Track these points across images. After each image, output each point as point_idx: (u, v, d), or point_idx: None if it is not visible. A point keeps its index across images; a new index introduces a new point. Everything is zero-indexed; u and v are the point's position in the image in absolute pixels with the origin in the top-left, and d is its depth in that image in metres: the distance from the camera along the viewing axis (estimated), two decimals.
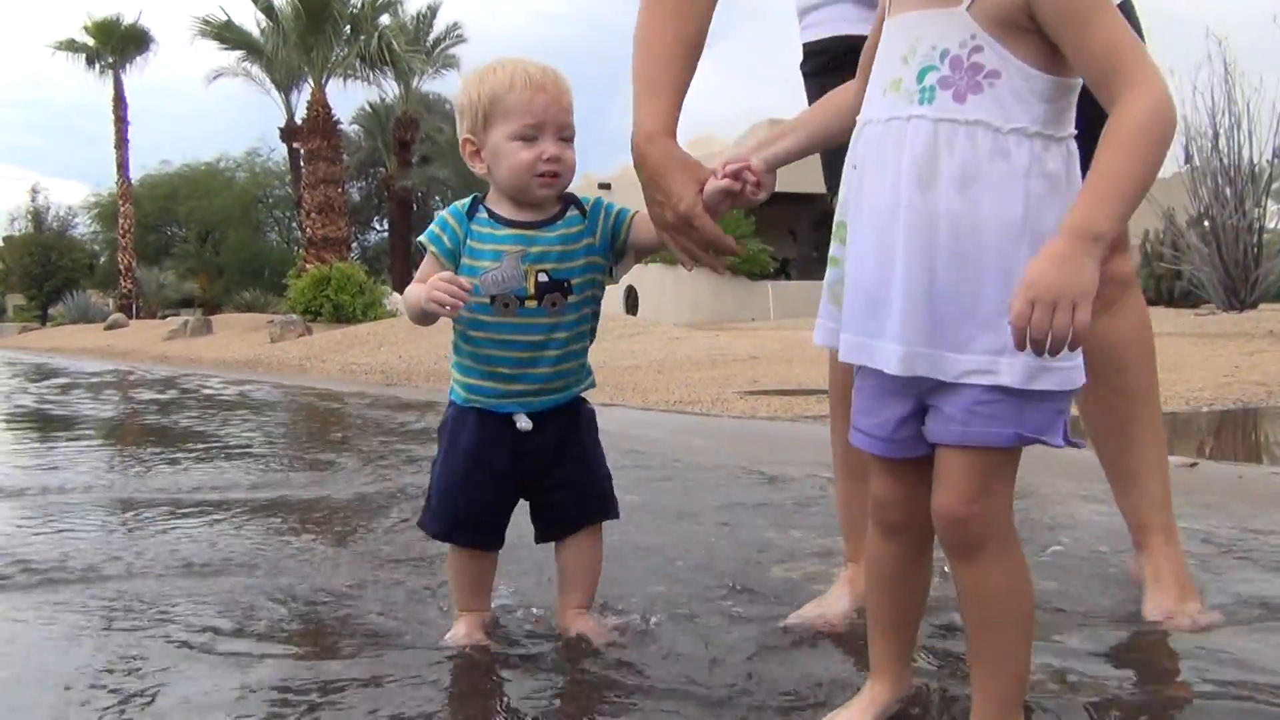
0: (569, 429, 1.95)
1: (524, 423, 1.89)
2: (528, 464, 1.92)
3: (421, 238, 1.88)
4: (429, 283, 1.77)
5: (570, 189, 1.89)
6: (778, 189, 1.89)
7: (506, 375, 1.88)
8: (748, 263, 25.09)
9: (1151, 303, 18.65)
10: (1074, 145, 1.31)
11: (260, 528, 3.19)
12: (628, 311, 23.67)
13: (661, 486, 3.70)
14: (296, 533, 3.09)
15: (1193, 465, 3.79)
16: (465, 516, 1.95)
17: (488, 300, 1.83)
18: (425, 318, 1.82)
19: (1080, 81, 1.29)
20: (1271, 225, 13.77)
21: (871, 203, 1.35)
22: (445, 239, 1.87)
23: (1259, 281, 12.79)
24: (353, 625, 2.13)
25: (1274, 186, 13.74)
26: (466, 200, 1.90)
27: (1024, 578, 1.37)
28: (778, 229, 25.10)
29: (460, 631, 1.98)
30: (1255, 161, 12.83)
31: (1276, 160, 12.97)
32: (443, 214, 1.90)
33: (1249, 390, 6.08)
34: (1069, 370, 1.29)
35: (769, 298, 25.10)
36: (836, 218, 1.44)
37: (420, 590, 2.37)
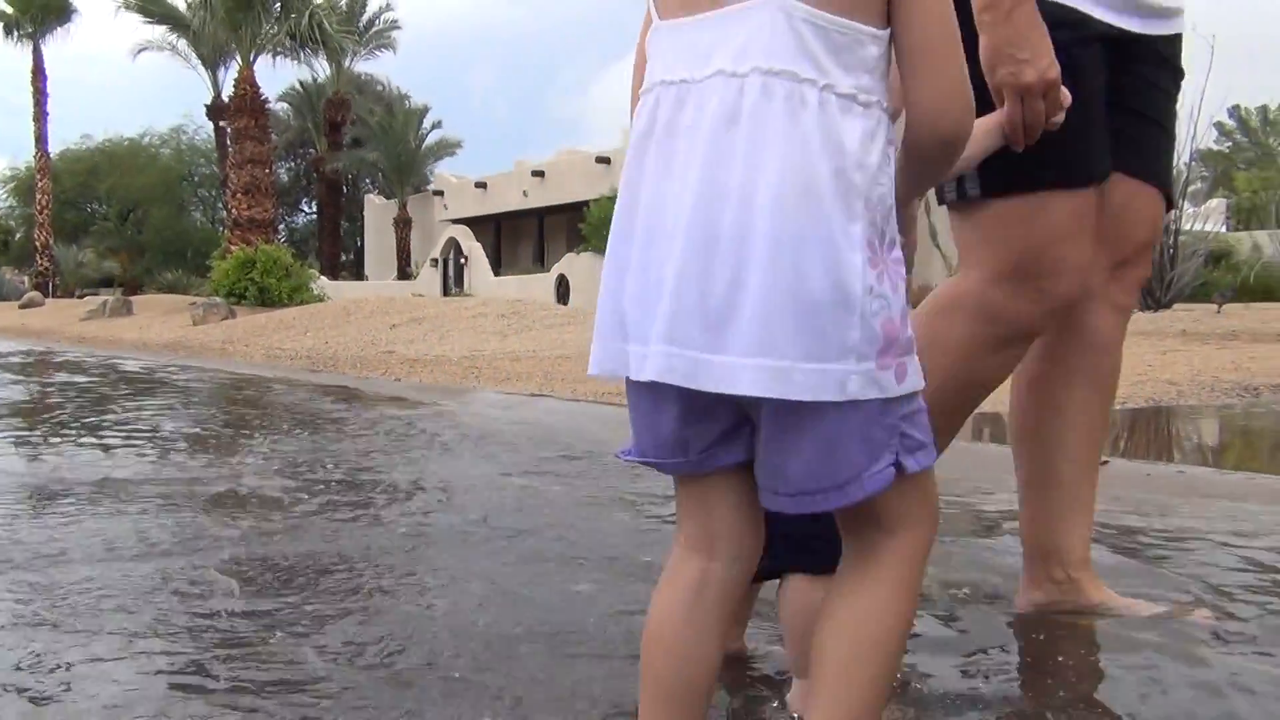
0: None
1: None
2: None
3: None
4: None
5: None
6: None
7: None
8: None
9: None
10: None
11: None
12: (559, 301, 23.56)
13: (586, 479, 3.70)
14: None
15: (1104, 463, 3.90)
16: None
17: None
18: None
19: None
20: (1187, 227, 14.21)
21: None
22: None
23: (1174, 282, 13.19)
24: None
25: (1190, 189, 14.14)
26: None
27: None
28: None
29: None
30: (1174, 165, 13.20)
31: (1193, 163, 13.35)
32: None
33: (1160, 389, 6.27)
34: None
35: None
36: None
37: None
